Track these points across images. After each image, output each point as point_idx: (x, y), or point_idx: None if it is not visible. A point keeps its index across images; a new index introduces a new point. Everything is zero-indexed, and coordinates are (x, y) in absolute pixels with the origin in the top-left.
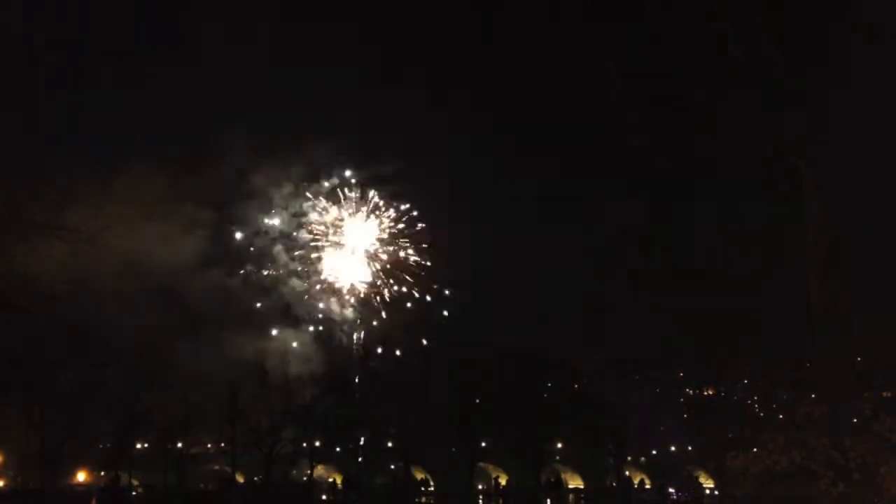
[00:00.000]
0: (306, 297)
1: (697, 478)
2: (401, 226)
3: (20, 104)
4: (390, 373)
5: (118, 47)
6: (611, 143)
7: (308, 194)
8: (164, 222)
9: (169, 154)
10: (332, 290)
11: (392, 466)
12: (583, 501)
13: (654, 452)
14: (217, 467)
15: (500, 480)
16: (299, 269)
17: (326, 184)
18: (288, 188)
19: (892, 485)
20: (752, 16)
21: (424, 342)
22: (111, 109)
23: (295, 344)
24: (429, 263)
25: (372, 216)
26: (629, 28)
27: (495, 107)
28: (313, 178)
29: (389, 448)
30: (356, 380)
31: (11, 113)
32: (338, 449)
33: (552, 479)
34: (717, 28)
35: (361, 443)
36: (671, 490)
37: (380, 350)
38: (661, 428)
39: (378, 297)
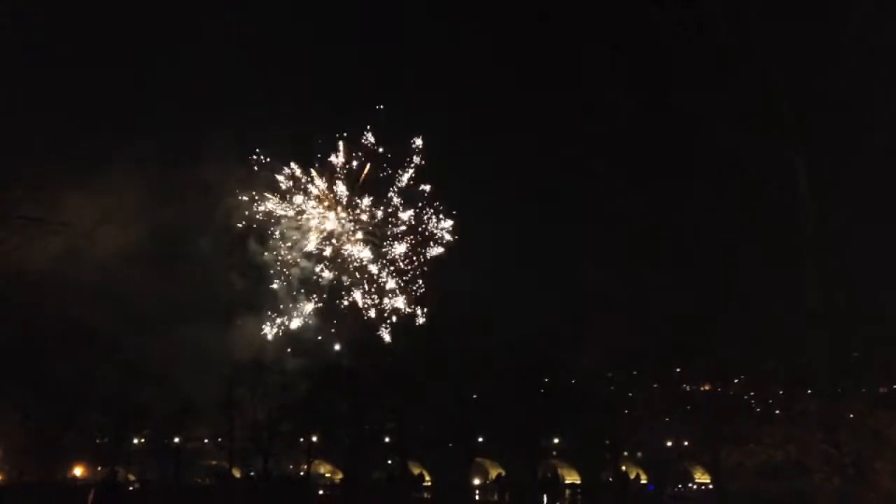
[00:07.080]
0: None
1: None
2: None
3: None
4: (388, 368)
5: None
6: (610, 140)
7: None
8: (149, 215)
9: (154, 148)
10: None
11: (389, 462)
12: (579, 497)
13: (650, 448)
14: (214, 462)
15: (502, 475)
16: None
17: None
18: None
19: (887, 480)
20: (744, 11)
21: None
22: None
23: (292, 334)
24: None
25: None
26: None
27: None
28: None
29: (386, 443)
30: (354, 374)
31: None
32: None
33: (549, 475)
34: (709, 17)
35: (359, 438)
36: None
37: (377, 345)
38: (657, 424)
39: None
